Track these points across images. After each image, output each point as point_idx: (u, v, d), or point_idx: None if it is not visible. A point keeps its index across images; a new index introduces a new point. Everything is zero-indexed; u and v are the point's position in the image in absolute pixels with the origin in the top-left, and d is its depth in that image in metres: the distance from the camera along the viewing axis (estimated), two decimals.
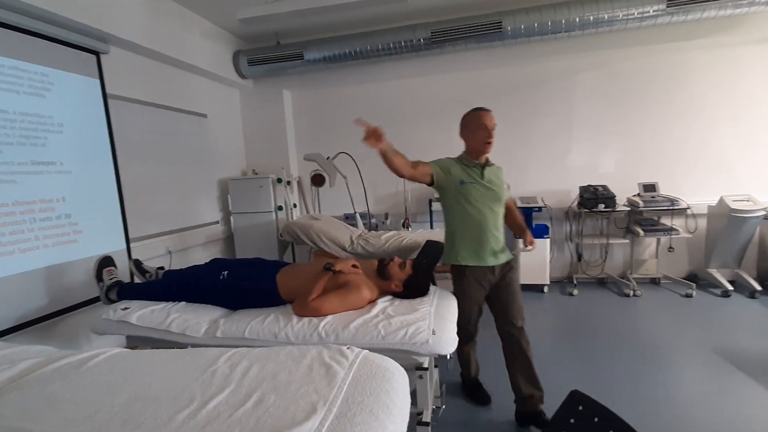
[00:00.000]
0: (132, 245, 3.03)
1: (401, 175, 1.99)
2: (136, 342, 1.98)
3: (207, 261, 2.32)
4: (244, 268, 2.11)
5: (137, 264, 2.54)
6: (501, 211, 2.10)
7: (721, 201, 3.61)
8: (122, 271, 2.79)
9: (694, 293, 3.65)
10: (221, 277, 2.05)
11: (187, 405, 1.05)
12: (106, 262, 2.32)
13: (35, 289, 2.40)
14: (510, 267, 2.10)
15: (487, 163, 2.10)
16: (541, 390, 2.03)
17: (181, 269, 2.36)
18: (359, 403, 1.02)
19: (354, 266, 2.05)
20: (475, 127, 2.04)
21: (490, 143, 2.02)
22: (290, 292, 1.95)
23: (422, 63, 4.25)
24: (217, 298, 2.04)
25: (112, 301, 2.19)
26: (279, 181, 4.20)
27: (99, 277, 2.28)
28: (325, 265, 1.97)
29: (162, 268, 2.55)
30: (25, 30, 2.40)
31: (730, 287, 3.61)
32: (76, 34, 2.67)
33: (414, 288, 1.99)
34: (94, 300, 2.66)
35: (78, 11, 2.55)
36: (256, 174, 4.40)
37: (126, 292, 2.21)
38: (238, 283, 2.02)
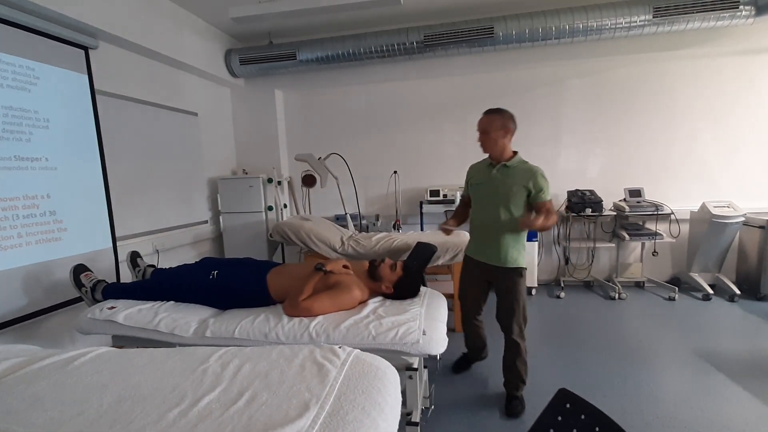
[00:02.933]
0: (118, 243, 2.98)
1: None
2: (122, 342, 1.95)
3: (197, 260, 2.30)
4: (234, 268, 2.10)
5: (134, 256, 2.52)
6: (504, 213, 2.06)
7: (703, 207, 3.70)
8: (103, 271, 2.75)
9: (677, 296, 3.74)
10: (211, 277, 2.04)
11: (177, 403, 1.04)
12: (81, 269, 2.26)
13: (17, 288, 2.34)
14: (511, 275, 2.12)
15: (503, 161, 2.09)
16: (517, 380, 2.18)
17: (170, 268, 2.33)
18: (351, 401, 1.02)
19: (345, 267, 2.06)
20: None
21: (480, 144, 2.14)
22: (280, 292, 1.95)
23: (414, 66, 4.27)
24: (206, 298, 2.02)
25: (97, 301, 2.15)
26: (269, 181, 4.18)
27: (78, 284, 2.22)
28: (316, 266, 1.97)
29: (153, 266, 2.52)
30: (10, 22, 2.35)
31: (710, 291, 3.71)
32: (65, 28, 2.62)
33: (404, 289, 2.00)
34: (79, 299, 2.61)
35: (67, 5, 2.50)
36: (247, 173, 4.37)
37: (111, 291, 2.17)
38: (228, 282, 2.01)
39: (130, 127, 3.18)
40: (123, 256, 3.00)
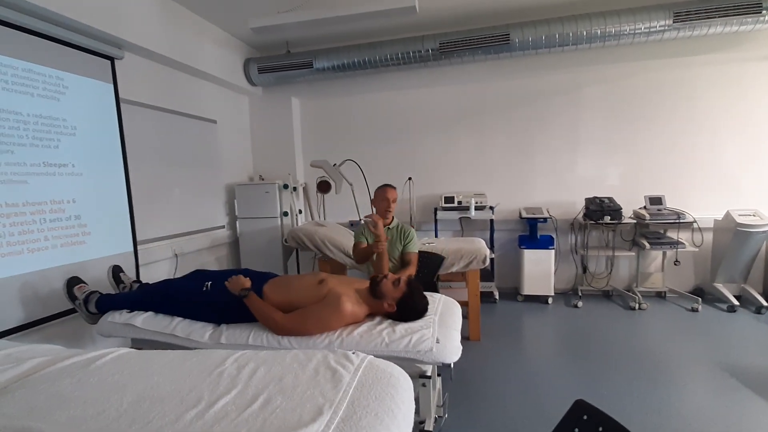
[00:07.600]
0: (139, 248, 3.06)
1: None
2: (140, 344, 1.98)
3: (188, 273, 2.26)
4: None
5: (116, 271, 2.38)
6: None
7: (728, 215, 3.59)
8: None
9: (700, 308, 3.62)
10: (204, 288, 1.97)
11: (194, 405, 1.06)
12: (74, 281, 2.21)
13: (42, 289, 2.42)
14: None
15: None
16: None
17: (157, 283, 2.24)
18: (365, 407, 1.02)
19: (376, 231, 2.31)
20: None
21: (389, 211, 2.60)
22: (279, 305, 1.85)
23: (430, 74, 4.30)
24: (200, 313, 1.94)
25: (91, 314, 2.11)
26: (285, 187, 4.23)
27: (72, 297, 2.16)
28: (240, 292, 1.82)
29: (138, 281, 2.43)
30: (42, 34, 2.46)
31: (736, 302, 3.58)
32: (92, 39, 2.73)
33: (408, 307, 1.83)
34: None
35: (94, 17, 2.61)
36: (263, 180, 4.44)
37: (105, 303, 2.11)
38: (223, 295, 1.89)
39: (152, 134, 3.28)
40: (143, 259, 3.07)
